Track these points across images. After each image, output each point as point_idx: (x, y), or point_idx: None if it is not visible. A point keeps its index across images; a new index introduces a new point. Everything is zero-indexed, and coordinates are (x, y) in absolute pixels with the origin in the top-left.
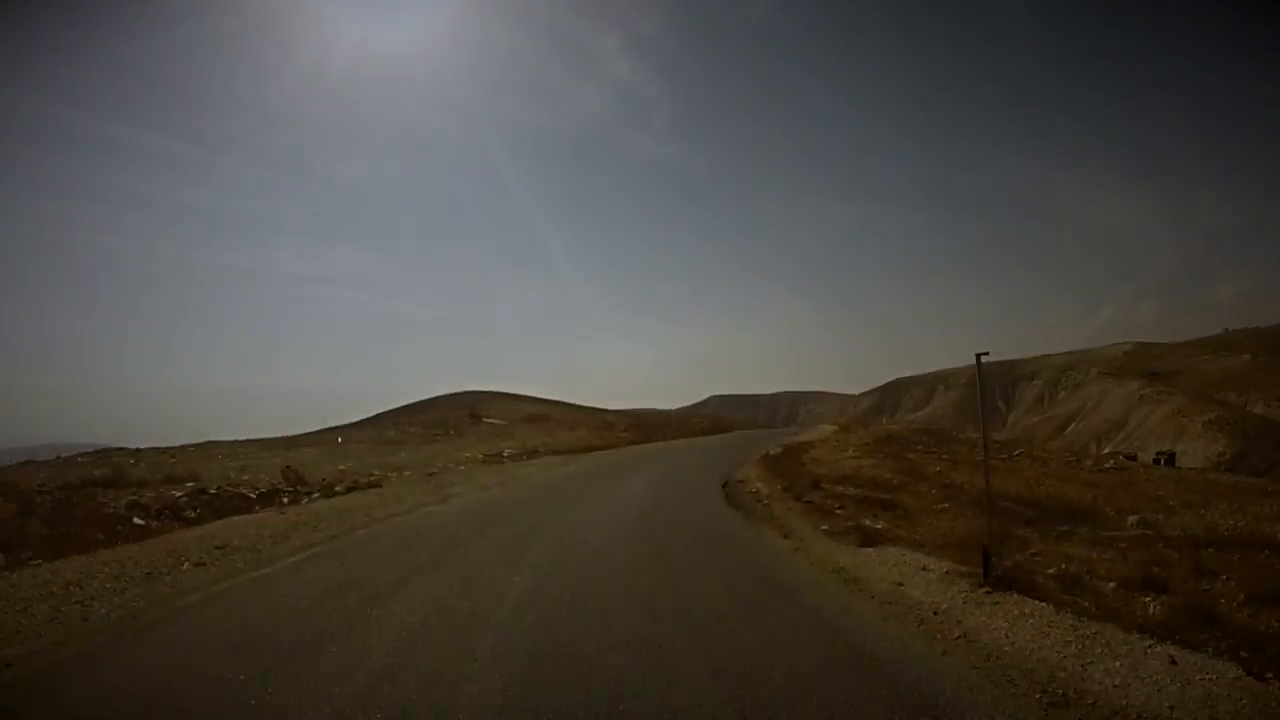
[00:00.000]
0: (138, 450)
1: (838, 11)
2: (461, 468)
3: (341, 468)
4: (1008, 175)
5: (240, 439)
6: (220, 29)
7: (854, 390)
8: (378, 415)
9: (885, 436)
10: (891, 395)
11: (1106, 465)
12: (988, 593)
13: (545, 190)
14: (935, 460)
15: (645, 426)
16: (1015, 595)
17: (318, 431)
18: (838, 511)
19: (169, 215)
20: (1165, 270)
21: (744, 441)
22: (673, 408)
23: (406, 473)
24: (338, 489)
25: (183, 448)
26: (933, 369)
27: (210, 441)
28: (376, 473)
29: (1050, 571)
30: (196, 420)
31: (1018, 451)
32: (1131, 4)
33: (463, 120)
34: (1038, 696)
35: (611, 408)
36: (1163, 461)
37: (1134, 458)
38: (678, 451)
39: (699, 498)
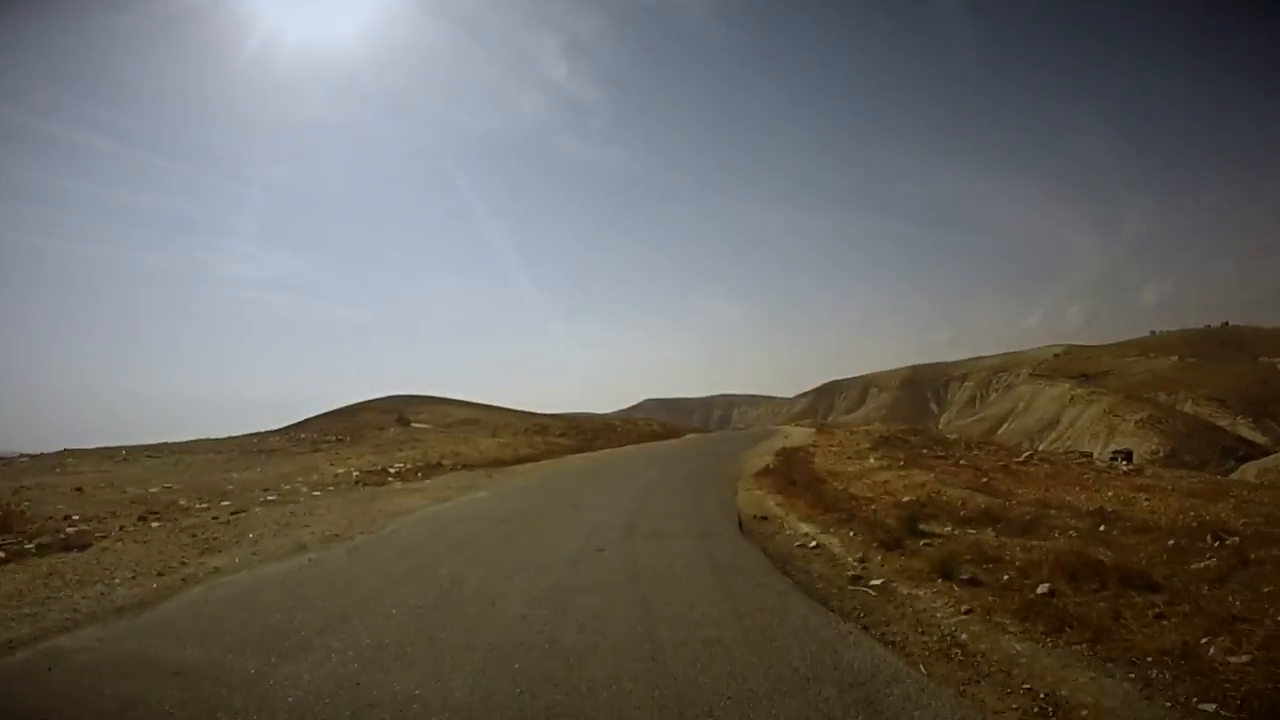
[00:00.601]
0: None
1: (775, 21)
2: (301, 499)
3: (122, 494)
4: (940, 183)
5: (113, 446)
6: (151, 21)
7: (787, 394)
8: (306, 420)
9: (881, 439)
10: (825, 398)
11: (1105, 469)
12: None
13: (484, 194)
14: (982, 469)
15: (584, 431)
16: None
17: (215, 439)
18: (1028, 590)
19: (91, 213)
20: (1092, 276)
21: (705, 448)
22: (608, 412)
23: (202, 504)
24: None
25: None
26: (865, 371)
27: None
28: (129, 511)
29: None
30: (110, 424)
31: (1026, 455)
32: (1064, 24)
33: (402, 121)
34: None
35: (548, 412)
36: (1121, 460)
37: (1090, 456)
38: (633, 464)
39: (718, 562)
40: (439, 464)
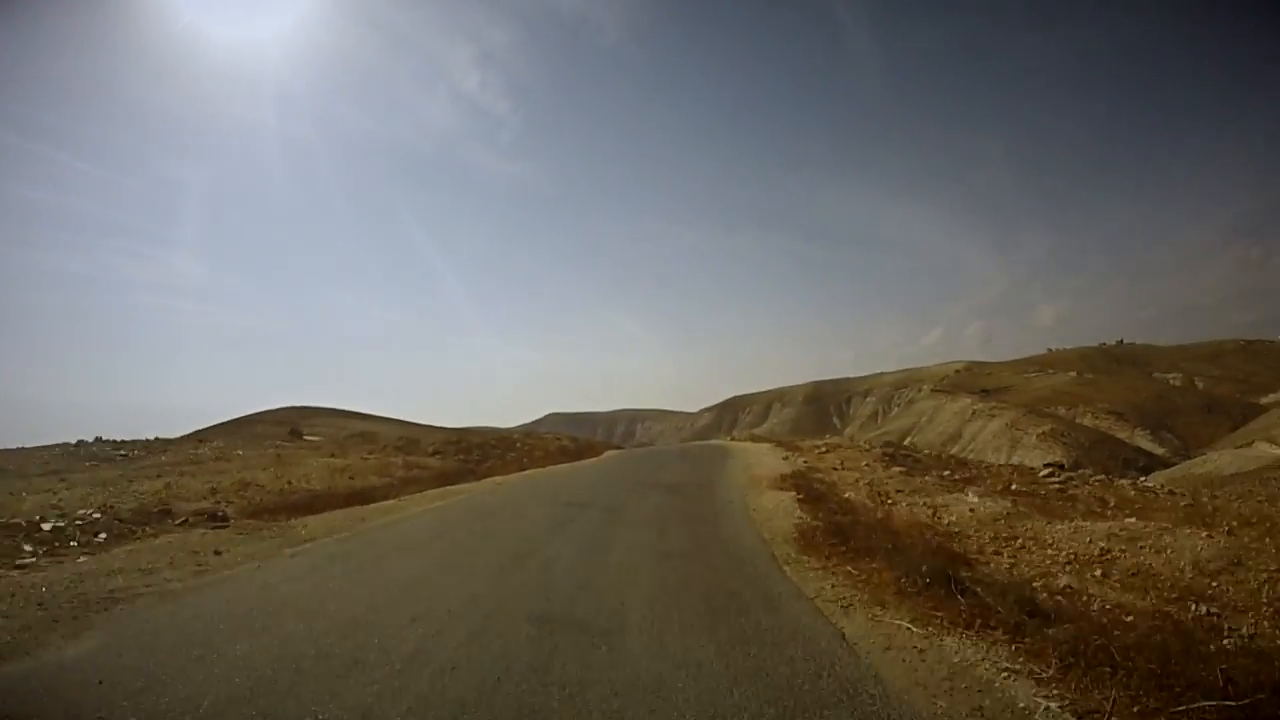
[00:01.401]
0: None
1: (690, 43)
2: None
3: None
4: (846, 206)
5: None
6: (55, 11)
7: (691, 409)
8: (197, 431)
9: (882, 457)
10: (729, 413)
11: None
12: None
13: (392, 203)
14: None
15: (470, 449)
16: None
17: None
18: None
19: None
20: (991, 296)
21: (648, 477)
22: (512, 426)
23: None
24: None
25: None
26: (769, 387)
27: None
28: None
29: None
30: None
31: (1047, 470)
32: (968, 56)
33: (310, 125)
34: None
35: (452, 426)
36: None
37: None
38: (530, 513)
39: None
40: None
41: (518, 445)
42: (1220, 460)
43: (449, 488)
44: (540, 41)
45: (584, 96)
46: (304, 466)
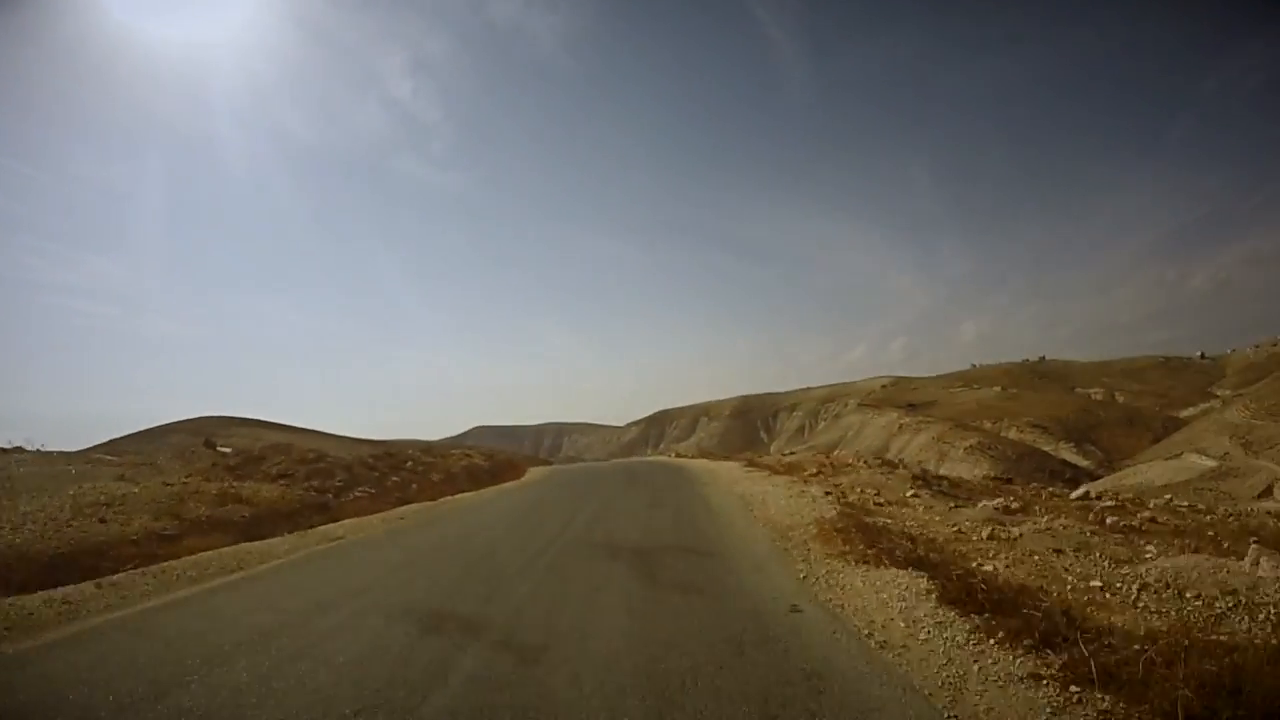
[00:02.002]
0: None
1: (623, 55)
2: None
3: None
4: (773, 222)
5: None
6: None
7: (619, 422)
8: (111, 441)
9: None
10: (656, 426)
11: None
12: None
13: (319, 210)
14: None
15: (335, 470)
16: None
17: None
18: None
19: None
20: (914, 313)
21: (586, 519)
22: (437, 439)
23: None
24: None
25: None
26: (696, 401)
27: None
28: None
29: None
30: None
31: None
32: (897, 77)
33: (240, 128)
34: None
35: (378, 438)
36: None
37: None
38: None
39: None
40: None
41: (408, 465)
42: (1150, 472)
43: (220, 551)
44: (474, 51)
45: (517, 107)
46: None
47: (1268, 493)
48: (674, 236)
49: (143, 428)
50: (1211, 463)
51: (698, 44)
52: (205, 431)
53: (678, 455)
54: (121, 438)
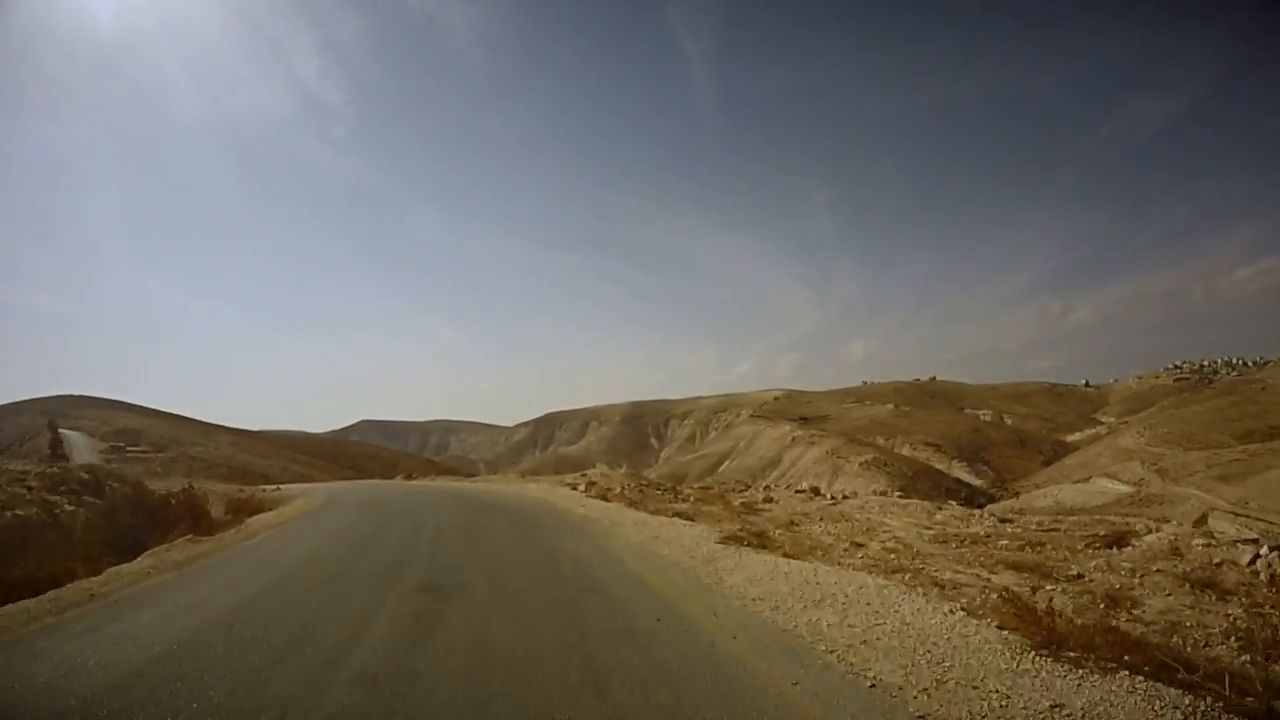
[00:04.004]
0: None
1: (536, 58)
2: None
3: None
4: (669, 233)
5: None
6: None
7: (507, 423)
8: None
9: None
10: (545, 429)
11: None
12: None
13: (209, 185)
14: None
15: None
16: None
17: None
18: None
19: None
20: (804, 330)
21: None
22: (320, 431)
23: None
24: None
25: None
26: (586, 405)
27: None
28: None
29: None
30: None
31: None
32: (801, 104)
33: (138, 95)
34: None
35: (252, 428)
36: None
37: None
38: None
39: None
40: None
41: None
42: (1062, 494)
43: None
44: (385, 36)
45: (423, 97)
46: None
47: (1203, 520)
48: (569, 240)
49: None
50: (1125, 488)
51: (608, 49)
52: (58, 412)
53: (565, 482)
54: None
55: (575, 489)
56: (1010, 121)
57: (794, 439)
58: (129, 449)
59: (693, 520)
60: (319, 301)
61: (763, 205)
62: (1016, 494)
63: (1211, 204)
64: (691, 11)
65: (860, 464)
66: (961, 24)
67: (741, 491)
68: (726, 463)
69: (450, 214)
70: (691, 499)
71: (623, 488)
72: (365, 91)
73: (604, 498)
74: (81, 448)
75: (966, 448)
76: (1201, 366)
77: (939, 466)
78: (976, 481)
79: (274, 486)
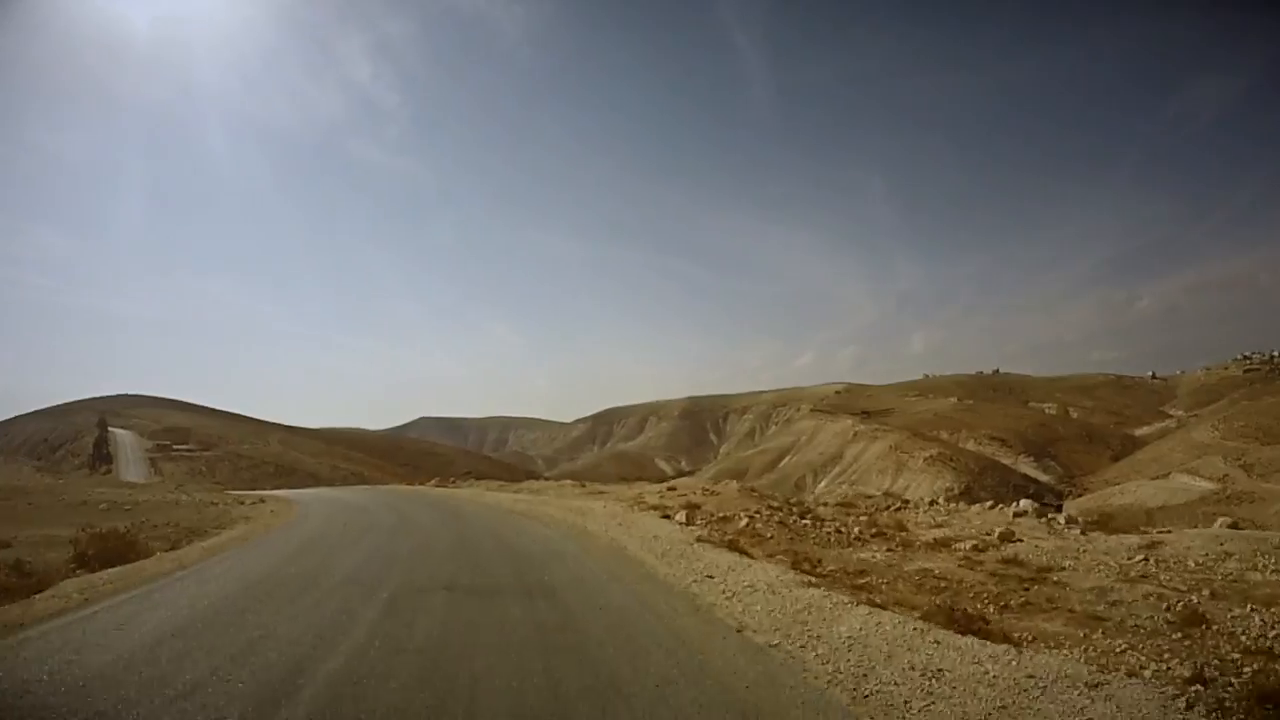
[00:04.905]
0: None
1: (586, 53)
2: None
3: None
4: (725, 228)
5: None
6: None
7: (565, 419)
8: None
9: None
10: (603, 424)
11: None
12: None
13: (271, 190)
14: None
15: None
16: None
17: None
18: None
19: None
20: (863, 323)
21: None
22: (380, 428)
23: None
24: None
25: None
26: (645, 400)
27: None
28: None
29: None
30: None
31: None
32: (856, 92)
33: (192, 102)
34: None
35: (309, 425)
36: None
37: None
38: None
39: None
40: None
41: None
42: (1141, 492)
43: None
44: (435, 36)
45: (474, 96)
46: None
47: None
48: (625, 236)
49: (53, 404)
50: (1208, 484)
51: (660, 45)
52: (112, 411)
53: (608, 497)
54: (26, 414)
55: (669, 518)
56: (1068, 105)
57: (856, 434)
58: (175, 447)
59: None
60: (379, 301)
61: (819, 196)
62: (1085, 490)
63: (1277, 188)
64: (742, 3)
65: (925, 459)
66: (1015, 6)
67: (893, 510)
68: (787, 458)
69: (505, 211)
70: (855, 530)
71: (749, 517)
72: (417, 92)
73: (734, 544)
74: (129, 446)
75: (1033, 442)
76: (1272, 357)
77: (1005, 462)
78: (1044, 478)
79: (256, 497)
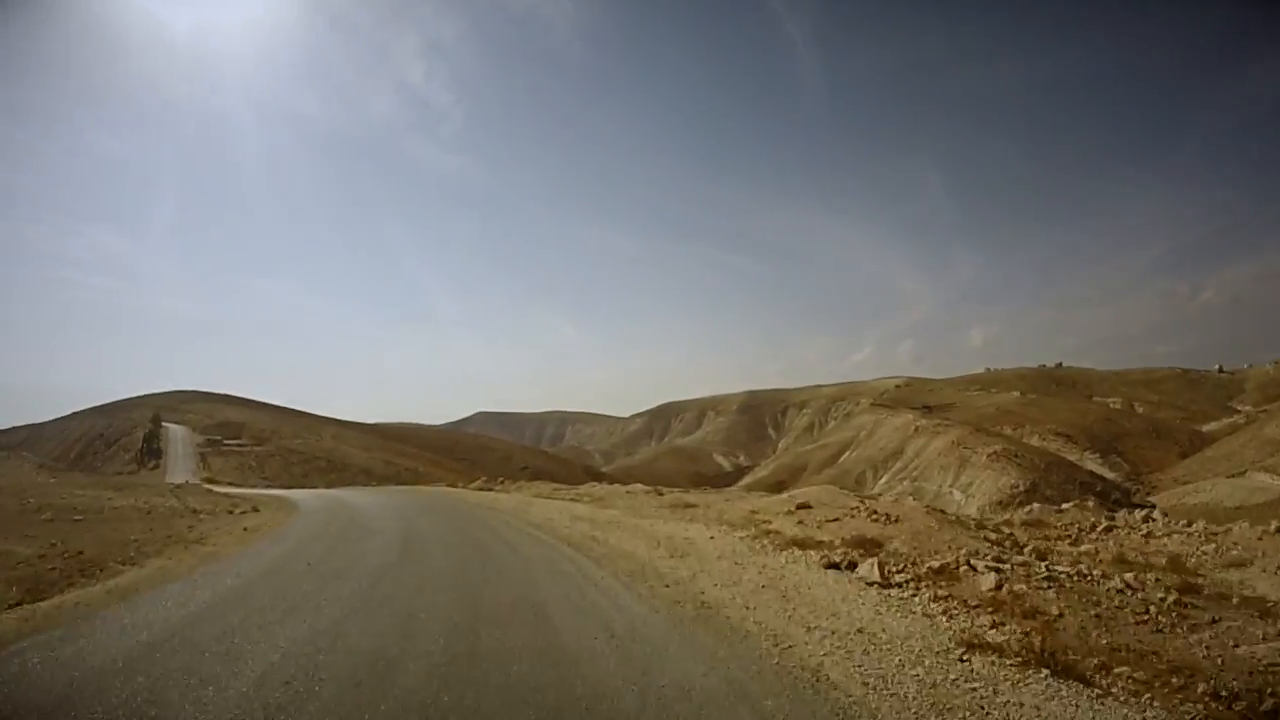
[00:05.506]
0: None
1: (637, 48)
2: None
3: None
4: (781, 222)
5: None
6: None
7: (622, 413)
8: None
9: None
10: (661, 419)
11: None
12: None
13: (327, 190)
14: None
15: None
16: None
17: None
18: None
19: None
20: (921, 316)
21: None
22: (437, 423)
23: None
24: None
25: None
26: (702, 395)
27: None
28: None
29: None
30: None
31: None
32: (911, 83)
33: (246, 105)
34: None
35: (366, 420)
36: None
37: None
38: None
39: None
40: None
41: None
42: (1216, 491)
43: None
44: (487, 35)
45: (527, 93)
46: None
47: None
48: (679, 231)
49: (113, 400)
50: None
51: (711, 39)
52: (168, 406)
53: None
54: (85, 410)
55: (839, 566)
56: (1127, 92)
57: (917, 429)
58: (226, 442)
59: None
60: (436, 297)
61: (875, 188)
62: (1153, 489)
63: None
64: None
65: (988, 456)
66: None
67: (1102, 531)
68: (847, 453)
69: (559, 207)
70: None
71: (979, 565)
72: (471, 90)
73: (1066, 664)
74: (179, 441)
75: (1099, 438)
76: None
77: (1070, 458)
78: (1111, 475)
79: (268, 497)
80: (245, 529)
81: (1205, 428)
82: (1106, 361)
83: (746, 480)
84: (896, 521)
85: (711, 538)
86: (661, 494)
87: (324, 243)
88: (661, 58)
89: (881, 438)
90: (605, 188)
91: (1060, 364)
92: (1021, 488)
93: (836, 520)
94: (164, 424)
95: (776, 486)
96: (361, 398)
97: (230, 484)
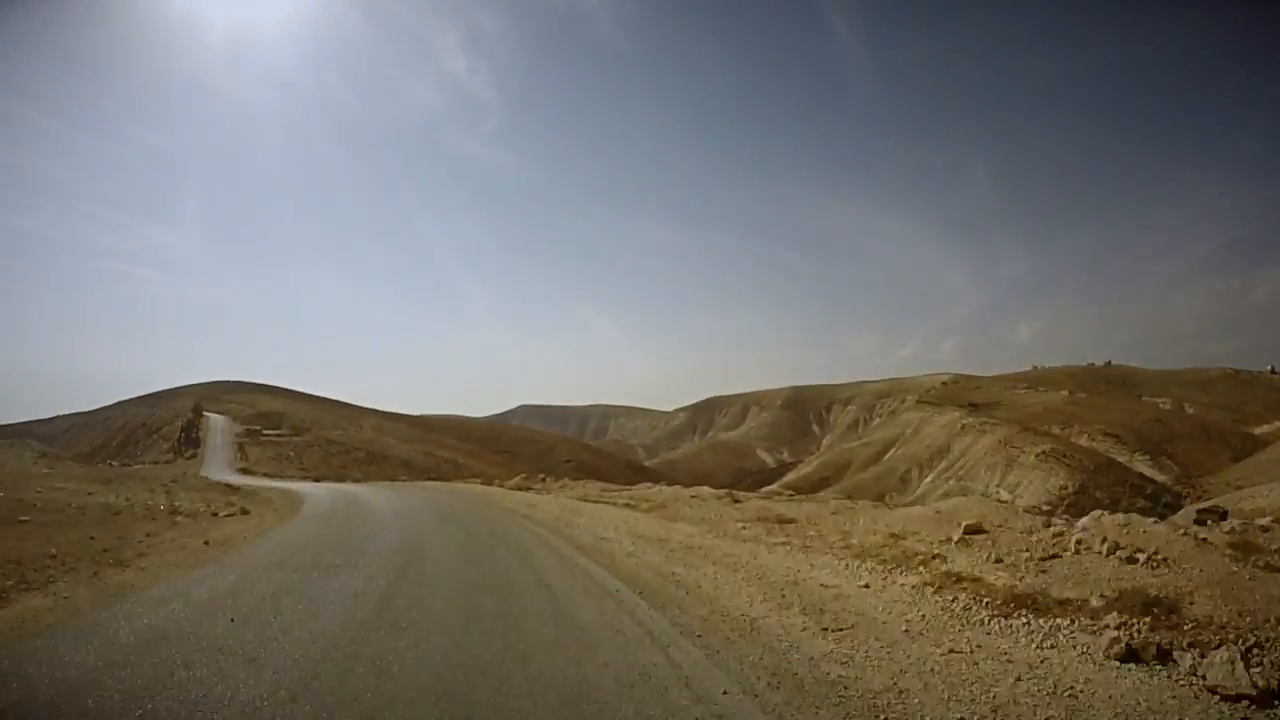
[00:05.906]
0: None
1: (681, 40)
2: None
3: None
4: (826, 216)
5: None
6: None
7: (666, 407)
8: (115, 405)
9: None
10: (704, 413)
11: None
12: None
13: (368, 183)
14: None
15: None
16: None
17: None
18: None
19: None
20: (967, 312)
21: None
22: (479, 416)
23: None
24: None
25: None
26: (746, 389)
27: None
28: None
29: None
30: None
31: None
32: (955, 77)
33: (297, 103)
34: None
35: (408, 412)
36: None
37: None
38: None
39: None
40: None
41: None
42: (1274, 495)
43: None
44: (529, 28)
45: (569, 87)
46: None
47: None
48: (723, 224)
49: (158, 389)
50: None
51: (755, 31)
52: (210, 396)
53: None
54: (128, 400)
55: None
56: (1179, 84)
57: (963, 426)
58: (265, 432)
59: None
60: (479, 290)
61: (920, 181)
62: (1205, 492)
63: None
64: None
65: (1036, 456)
66: None
67: None
68: (892, 451)
69: (602, 201)
70: None
71: None
72: (513, 84)
73: None
74: (219, 430)
75: (1149, 439)
76: None
77: (1120, 460)
78: (1161, 477)
79: (276, 490)
80: (206, 543)
81: (1258, 430)
82: (1155, 360)
83: (790, 477)
84: (1166, 563)
85: (865, 585)
86: (738, 500)
87: (364, 235)
88: (703, 49)
89: (927, 435)
90: (649, 180)
91: (1109, 362)
92: (1071, 489)
93: (1055, 557)
94: (205, 414)
95: (820, 483)
96: (403, 391)
97: (265, 475)
